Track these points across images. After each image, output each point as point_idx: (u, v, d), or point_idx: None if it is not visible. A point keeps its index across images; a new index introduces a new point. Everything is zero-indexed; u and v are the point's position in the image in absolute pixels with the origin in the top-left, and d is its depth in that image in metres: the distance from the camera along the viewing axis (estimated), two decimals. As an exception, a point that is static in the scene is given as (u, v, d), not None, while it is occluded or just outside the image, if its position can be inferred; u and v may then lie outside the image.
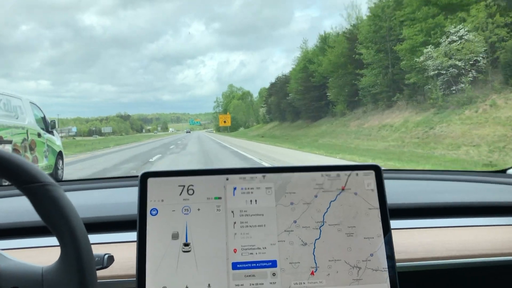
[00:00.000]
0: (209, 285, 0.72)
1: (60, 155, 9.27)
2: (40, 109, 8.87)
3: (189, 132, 78.09)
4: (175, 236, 0.73)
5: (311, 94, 37.62)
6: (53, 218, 0.60)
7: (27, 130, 7.84)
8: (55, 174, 8.74)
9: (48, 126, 8.93)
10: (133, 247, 0.73)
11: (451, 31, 21.79)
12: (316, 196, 0.78)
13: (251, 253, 0.74)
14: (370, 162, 0.83)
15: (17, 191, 0.62)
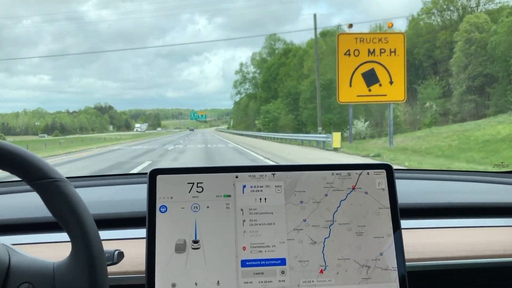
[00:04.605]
0: (218, 282, 0.72)
1: None
2: None
3: (193, 130, 52.25)
4: (180, 246, 0.73)
5: None
6: (64, 214, 0.60)
7: None
8: None
9: None
10: (143, 244, 0.73)
11: None
12: (326, 195, 0.77)
13: (260, 251, 0.74)
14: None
15: (27, 187, 0.62)
